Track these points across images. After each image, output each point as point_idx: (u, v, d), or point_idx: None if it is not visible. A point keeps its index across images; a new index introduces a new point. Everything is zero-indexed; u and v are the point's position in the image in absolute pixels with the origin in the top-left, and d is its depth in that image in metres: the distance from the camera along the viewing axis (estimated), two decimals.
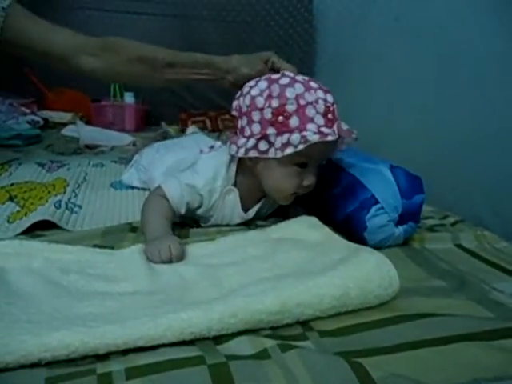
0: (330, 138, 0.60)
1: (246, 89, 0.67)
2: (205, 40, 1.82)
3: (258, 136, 0.63)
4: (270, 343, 0.39)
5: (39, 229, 0.69)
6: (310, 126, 0.61)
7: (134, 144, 1.45)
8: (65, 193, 0.84)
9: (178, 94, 1.89)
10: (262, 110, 0.63)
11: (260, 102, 0.63)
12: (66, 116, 1.70)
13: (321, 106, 0.62)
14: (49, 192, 0.84)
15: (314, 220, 0.69)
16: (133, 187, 0.95)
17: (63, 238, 0.65)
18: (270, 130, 0.62)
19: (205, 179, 0.68)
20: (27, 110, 1.56)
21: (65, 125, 1.62)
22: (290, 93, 0.62)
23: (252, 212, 0.73)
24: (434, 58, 1.07)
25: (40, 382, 0.34)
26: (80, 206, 0.81)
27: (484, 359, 0.39)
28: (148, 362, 0.35)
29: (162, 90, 1.86)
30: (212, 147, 0.74)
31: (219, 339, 0.41)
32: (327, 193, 0.74)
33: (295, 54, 1.82)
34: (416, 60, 1.13)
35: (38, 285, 0.50)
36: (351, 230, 0.69)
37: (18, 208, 0.76)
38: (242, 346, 0.39)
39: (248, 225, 0.75)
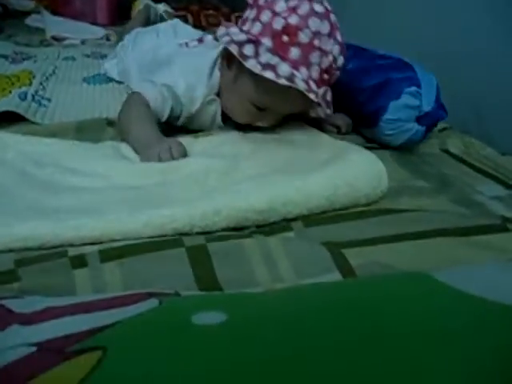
0: (311, 96, 0.53)
1: None
2: None
3: (252, 37, 0.55)
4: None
5: (3, 121, 0.64)
6: (302, 70, 0.53)
7: (108, 38, 1.32)
8: (30, 85, 0.77)
9: None
10: (275, 14, 0.54)
11: (280, 6, 0.54)
12: (28, 4, 1.52)
13: (326, 61, 0.54)
14: (12, 84, 0.77)
15: (300, 122, 0.66)
16: (108, 81, 0.88)
17: (33, 131, 0.61)
18: (267, 41, 0.54)
19: (185, 84, 0.60)
20: None
21: (28, 14, 1.45)
22: (313, 23, 0.53)
23: (231, 122, 0.67)
24: None
25: (9, 264, 0.32)
26: (49, 99, 0.75)
27: (456, 252, 0.40)
28: (123, 244, 0.34)
29: None
30: (201, 41, 0.62)
31: None
32: (371, 60, 0.72)
33: None
34: None
35: (10, 176, 0.46)
36: (380, 95, 0.66)
37: None
38: (225, 232, 0.39)
39: None
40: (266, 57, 0.53)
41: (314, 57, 0.53)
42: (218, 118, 0.65)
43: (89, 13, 1.48)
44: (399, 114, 0.65)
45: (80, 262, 0.33)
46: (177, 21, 0.89)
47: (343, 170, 0.46)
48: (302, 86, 0.52)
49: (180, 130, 0.65)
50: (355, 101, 0.70)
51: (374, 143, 0.70)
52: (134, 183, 0.49)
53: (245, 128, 0.64)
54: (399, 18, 1.06)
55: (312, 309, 0.20)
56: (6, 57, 0.99)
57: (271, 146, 0.58)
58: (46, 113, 0.69)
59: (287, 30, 0.53)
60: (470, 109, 0.86)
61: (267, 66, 0.52)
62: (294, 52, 0.53)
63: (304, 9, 0.53)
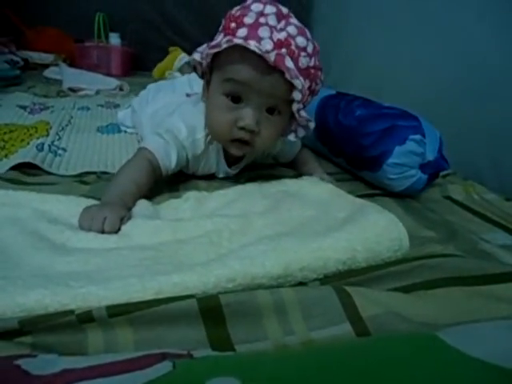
0: (254, 49, 0.51)
1: None
2: None
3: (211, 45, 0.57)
4: None
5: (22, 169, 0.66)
6: (251, 42, 0.52)
7: (121, 89, 1.39)
8: (48, 136, 0.81)
9: (166, 36, 1.79)
10: (225, 19, 0.57)
11: (228, 13, 0.57)
12: (47, 57, 1.61)
13: (279, 36, 0.53)
14: (30, 134, 0.81)
15: (315, 179, 0.65)
16: (119, 131, 0.92)
17: (46, 184, 0.63)
18: (221, 36, 0.56)
19: (186, 128, 0.62)
20: (5, 49, 1.47)
21: (46, 66, 1.54)
22: (256, 7, 0.54)
23: (236, 168, 0.70)
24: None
25: (13, 325, 0.32)
26: (64, 149, 0.78)
27: (470, 303, 0.40)
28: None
29: (148, 30, 1.77)
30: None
31: None
32: (379, 109, 0.74)
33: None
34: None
35: (20, 236, 0.45)
36: (386, 139, 0.68)
37: None
38: None
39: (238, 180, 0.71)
40: (223, 40, 0.54)
41: (263, 31, 0.53)
42: (222, 159, 0.67)
43: (104, 65, 1.57)
44: (404, 159, 0.66)
45: (87, 317, 0.33)
46: (193, 74, 0.95)
47: (363, 234, 0.44)
48: (253, 46, 0.52)
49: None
50: (360, 144, 0.72)
51: (376, 189, 0.72)
52: (145, 242, 0.47)
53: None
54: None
55: (320, 373, 0.20)
56: (25, 107, 1.04)
57: (287, 203, 0.56)
58: (61, 163, 0.72)
59: (232, 18, 0.55)
60: (484, 151, 0.87)
61: (225, 43, 0.53)
62: (242, 31, 0.53)
63: (248, 2, 0.56)
